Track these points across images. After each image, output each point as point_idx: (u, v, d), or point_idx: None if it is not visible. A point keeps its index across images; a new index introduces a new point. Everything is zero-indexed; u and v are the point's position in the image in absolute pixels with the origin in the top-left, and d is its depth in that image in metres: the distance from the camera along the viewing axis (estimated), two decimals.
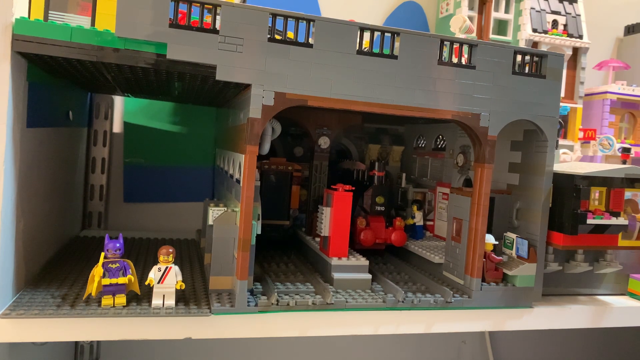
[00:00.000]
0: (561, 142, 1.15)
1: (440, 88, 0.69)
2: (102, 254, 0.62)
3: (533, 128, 0.76)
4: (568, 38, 1.15)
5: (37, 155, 0.70)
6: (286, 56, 0.63)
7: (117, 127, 1.09)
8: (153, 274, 0.63)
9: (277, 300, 0.66)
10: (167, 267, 0.63)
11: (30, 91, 0.65)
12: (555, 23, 1.16)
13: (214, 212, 0.70)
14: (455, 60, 0.70)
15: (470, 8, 1.15)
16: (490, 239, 0.76)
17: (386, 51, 0.67)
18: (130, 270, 0.63)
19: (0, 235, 0.58)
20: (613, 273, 0.87)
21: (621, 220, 0.75)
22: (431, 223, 1.01)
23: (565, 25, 1.17)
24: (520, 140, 0.81)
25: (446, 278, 0.81)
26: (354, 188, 0.79)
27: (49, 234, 0.80)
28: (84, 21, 0.67)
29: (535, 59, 0.74)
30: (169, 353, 1.13)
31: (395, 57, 0.67)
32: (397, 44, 0.67)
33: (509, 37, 1.16)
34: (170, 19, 0.59)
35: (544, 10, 1.16)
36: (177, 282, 0.64)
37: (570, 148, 1.16)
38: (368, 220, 0.89)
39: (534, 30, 1.13)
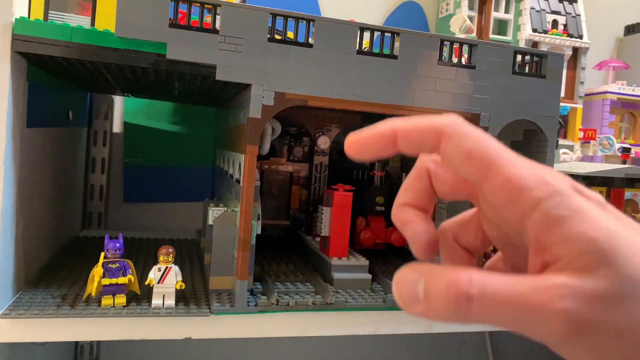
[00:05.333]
0: (561, 142, 1.15)
1: (440, 88, 0.69)
2: (102, 254, 0.62)
3: (533, 128, 0.76)
4: (568, 38, 1.15)
5: (37, 155, 0.70)
6: (286, 56, 0.63)
7: (117, 127, 1.09)
8: (153, 274, 0.63)
9: (277, 300, 0.66)
10: (167, 267, 0.63)
11: (30, 91, 0.65)
12: (555, 23, 1.16)
13: (214, 212, 0.70)
14: (455, 60, 0.71)
15: (470, 8, 1.15)
16: None
17: (386, 51, 0.67)
18: (130, 270, 0.63)
19: (0, 235, 0.58)
20: None
21: None
22: None
23: (565, 25, 1.17)
24: (520, 140, 0.81)
25: None
26: (354, 188, 0.79)
27: (49, 234, 0.80)
28: (84, 21, 0.67)
29: (535, 59, 0.74)
30: (169, 353, 1.13)
31: (395, 57, 0.67)
32: (397, 44, 0.67)
33: (509, 37, 1.16)
34: (170, 19, 0.59)
35: (544, 10, 1.16)
36: (177, 282, 0.64)
37: (570, 148, 1.16)
38: (368, 220, 0.89)
39: (534, 30, 1.13)
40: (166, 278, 0.63)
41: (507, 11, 1.16)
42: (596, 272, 0.21)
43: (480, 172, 0.24)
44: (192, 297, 0.68)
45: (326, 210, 0.78)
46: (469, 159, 0.24)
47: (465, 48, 0.71)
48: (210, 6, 0.61)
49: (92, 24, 0.66)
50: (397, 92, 0.67)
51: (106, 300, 0.62)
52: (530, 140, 0.79)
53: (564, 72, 1.15)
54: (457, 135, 0.25)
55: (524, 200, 0.23)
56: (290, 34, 0.64)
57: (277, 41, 0.63)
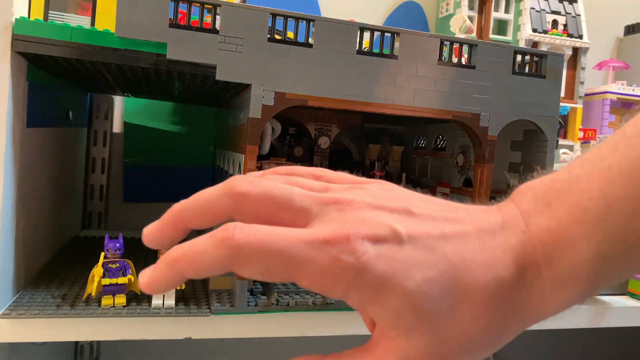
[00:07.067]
0: (561, 142, 1.15)
1: (440, 88, 0.69)
2: (102, 254, 0.62)
3: (533, 128, 0.76)
4: (568, 38, 1.15)
5: (37, 155, 0.70)
6: (286, 56, 0.63)
7: (117, 127, 1.09)
8: None
9: (277, 300, 0.66)
10: None
11: (30, 91, 0.65)
12: (555, 23, 1.16)
13: None
14: (455, 60, 0.70)
15: (470, 8, 1.15)
16: None
17: (386, 51, 0.67)
18: (130, 270, 0.63)
19: (0, 235, 0.58)
20: None
21: None
22: None
23: (565, 25, 1.17)
24: (520, 140, 0.81)
25: None
26: None
27: (49, 234, 0.80)
28: (84, 21, 0.67)
29: (535, 59, 0.74)
30: (169, 353, 1.13)
31: (395, 57, 0.67)
32: (397, 44, 0.67)
33: (509, 37, 1.16)
34: (170, 19, 0.59)
35: (544, 10, 1.16)
36: None
37: (570, 148, 1.16)
38: None
39: (534, 30, 1.13)
40: None
41: (507, 11, 1.16)
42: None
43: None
44: (192, 297, 0.68)
45: None
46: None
47: (465, 48, 0.71)
48: (210, 6, 0.61)
49: (92, 24, 0.66)
50: (397, 92, 0.67)
51: (106, 300, 0.62)
52: (530, 140, 0.79)
53: (564, 72, 1.15)
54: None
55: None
56: (290, 34, 0.64)
57: (277, 41, 0.63)
